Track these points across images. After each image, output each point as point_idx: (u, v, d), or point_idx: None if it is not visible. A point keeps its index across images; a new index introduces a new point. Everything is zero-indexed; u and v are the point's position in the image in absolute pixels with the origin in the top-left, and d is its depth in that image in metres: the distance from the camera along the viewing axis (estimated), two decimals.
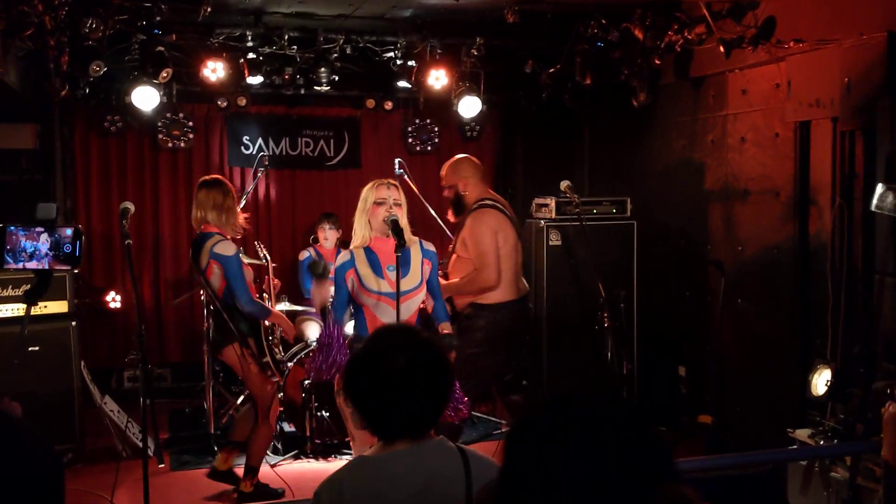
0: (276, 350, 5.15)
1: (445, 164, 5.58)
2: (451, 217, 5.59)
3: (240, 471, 5.24)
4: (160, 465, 5.48)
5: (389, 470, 2.13)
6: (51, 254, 2.68)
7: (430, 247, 4.44)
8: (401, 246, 4.06)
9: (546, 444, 1.31)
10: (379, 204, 4.22)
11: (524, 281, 5.61)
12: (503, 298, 5.31)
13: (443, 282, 5.11)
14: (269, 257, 5.54)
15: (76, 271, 4.53)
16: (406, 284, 4.15)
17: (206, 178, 5.20)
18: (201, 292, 6.15)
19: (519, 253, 5.51)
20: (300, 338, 6.61)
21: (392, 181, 4.37)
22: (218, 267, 4.83)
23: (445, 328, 4.43)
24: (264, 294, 5.84)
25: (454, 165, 5.49)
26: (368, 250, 4.27)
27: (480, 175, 5.54)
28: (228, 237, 4.91)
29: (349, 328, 4.42)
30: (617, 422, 1.33)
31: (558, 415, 1.35)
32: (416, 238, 4.38)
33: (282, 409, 6.04)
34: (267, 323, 5.09)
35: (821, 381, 4.73)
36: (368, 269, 4.23)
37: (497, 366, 5.40)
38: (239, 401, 6.43)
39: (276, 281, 5.36)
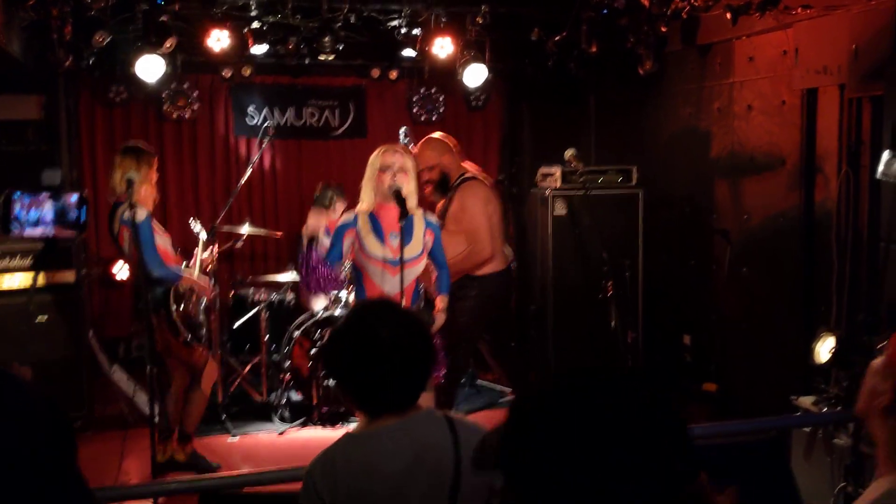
0: (195, 318, 5.00)
1: (419, 146, 5.49)
2: (433, 199, 5.49)
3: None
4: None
5: (380, 446, 2.12)
6: (56, 221, 2.66)
7: (433, 218, 4.42)
8: (403, 216, 4.03)
9: (555, 429, 1.16)
10: (384, 170, 4.18)
11: (507, 247, 5.66)
12: (494, 269, 5.37)
13: None
14: (204, 233, 5.43)
15: (83, 238, 4.51)
16: (408, 253, 4.11)
17: (128, 145, 5.03)
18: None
19: (503, 222, 5.57)
20: (307, 308, 6.64)
21: (398, 147, 4.34)
22: (128, 233, 4.72)
23: (440, 302, 4.40)
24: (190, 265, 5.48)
25: (432, 146, 5.42)
26: (372, 216, 4.25)
27: (456, 149, 5.48)
28: (141, 204, 4.75)
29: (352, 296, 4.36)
30: (641, 406, 1.18)
31: (573, 393, 1.21)
32: (420, 209, 4.36)
33: (289, 377, 6.10)
34: (181, 289, 4.95)
35: (825, 349, 4.66)
36: (371, 234, 4.22)
37: (482, 330, 5.46)
38: (246, 370, 6.48)
39: (208, 257, 5.26)
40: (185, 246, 7.57)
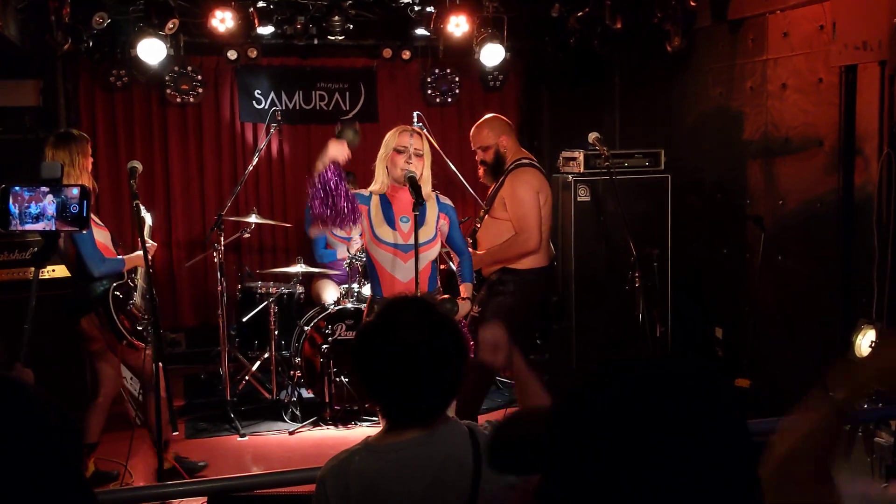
0: (137, 317, 4.81)
1: (477, 125, 5.33)
2: (486, 181, 5.35)
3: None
4: (175, 433, 5.41)
5: (399, 461, 2.04)
6: (58, 215, 2.64)
7: (447, 200, 4.35)
8: (418, 204, 3.95)
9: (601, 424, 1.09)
10: (399, 152, 4.13)
11: (551, 244, 5.46)
12: (536, 264, 5.14)
13: (478, 252, 5.00)
14: (149, 218, 5.18)
15: (84, 232, 4.40)
16: (420, 237, 4.03)
17: (59, 132, 4.85)
18: (215, 254, 6.02)
19: (551, 216, 5.35)
20: (318, 300, 6.52)
21: (416, 129, 4.27)
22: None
23: (464, 290, 4.30)
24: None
25: (490, 125, 5.24)
26: (384, 198, 4.20)
27: (514, 133, 5.35)
28: None
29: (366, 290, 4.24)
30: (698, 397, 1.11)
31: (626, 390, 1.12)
32: (435, 192, 4.29)
33: (300, 374, 6.02)
34: (125, 275, 4.78)
35: (865, 342, 4.63)
36: (382, 218, 4.17)
37: (515, 332, 5.27)
38: (254, 367, 6.37)
39: (152, 244, 5.03)
40: (193, 237, 7.48)
